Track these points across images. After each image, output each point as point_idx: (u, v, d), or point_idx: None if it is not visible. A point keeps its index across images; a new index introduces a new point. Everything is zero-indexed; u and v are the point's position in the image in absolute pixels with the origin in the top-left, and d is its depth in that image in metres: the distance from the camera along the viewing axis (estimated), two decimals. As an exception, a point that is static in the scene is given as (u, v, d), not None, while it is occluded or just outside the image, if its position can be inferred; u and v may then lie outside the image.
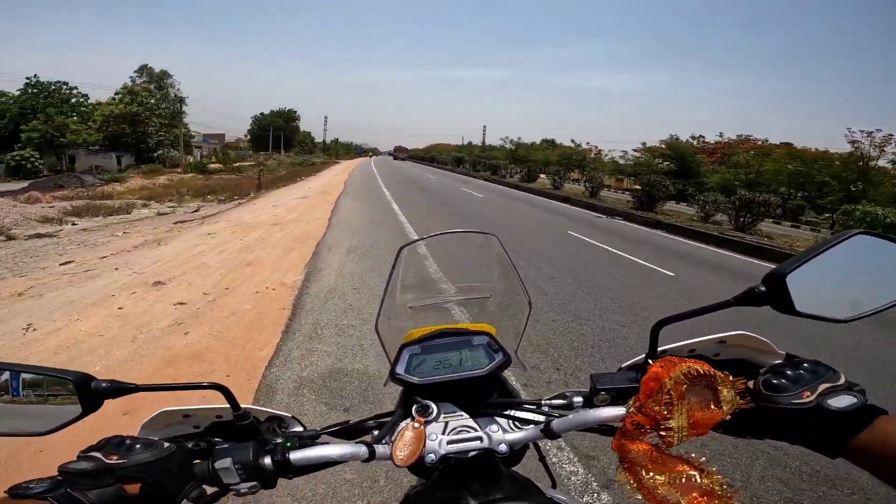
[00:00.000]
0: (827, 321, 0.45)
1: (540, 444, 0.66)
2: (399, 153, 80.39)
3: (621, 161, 37.47)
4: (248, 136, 78.44)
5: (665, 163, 31.07)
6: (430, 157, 60.38)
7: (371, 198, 13.11)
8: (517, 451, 0.60)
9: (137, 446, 0.46)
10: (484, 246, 0.77)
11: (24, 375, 0.47)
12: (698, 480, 0.42)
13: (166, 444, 0.48)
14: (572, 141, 45.88)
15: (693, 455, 0.43)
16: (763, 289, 0.44)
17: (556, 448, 2.12)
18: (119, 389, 0.46)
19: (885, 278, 0.46)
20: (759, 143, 32.77)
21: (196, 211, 13.20)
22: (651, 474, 0.43)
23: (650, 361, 0.48)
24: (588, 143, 41.78)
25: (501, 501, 0.50)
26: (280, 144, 72.42)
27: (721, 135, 35.11)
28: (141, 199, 17.37)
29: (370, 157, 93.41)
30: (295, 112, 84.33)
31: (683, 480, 0.42)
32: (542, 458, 0.69)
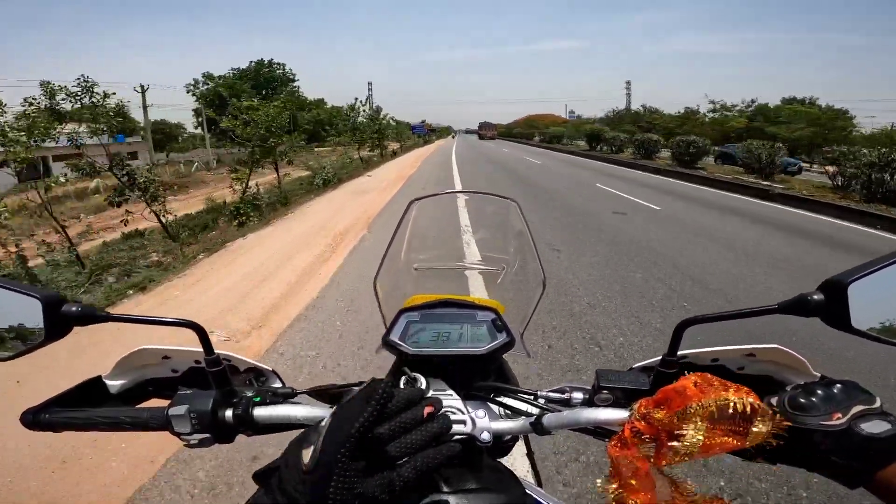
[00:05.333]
0: (882, 342, 0.41)
1: (530, 439, 0.63)
2: (485, 131, 65.46)
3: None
4: (200, 119, 38.01)
5: None
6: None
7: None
8: (505, 443, 0.57)
9: None
10: (503, 214, 0.71)
11: None
12: None
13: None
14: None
15: (688, 482, 0.39)
16: (819, 297, 0.38)
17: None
18: (90, 317, 0.43)
19: None
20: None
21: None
22: (635, 491, 0.38)
23: (668, 364, 0.44)
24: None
25: (476, 492, 0.46)
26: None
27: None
28: None
29: (452, 137, 67.79)
30: (281, 67, 45.43)
31: None
32: (529, 453, 0.66)
